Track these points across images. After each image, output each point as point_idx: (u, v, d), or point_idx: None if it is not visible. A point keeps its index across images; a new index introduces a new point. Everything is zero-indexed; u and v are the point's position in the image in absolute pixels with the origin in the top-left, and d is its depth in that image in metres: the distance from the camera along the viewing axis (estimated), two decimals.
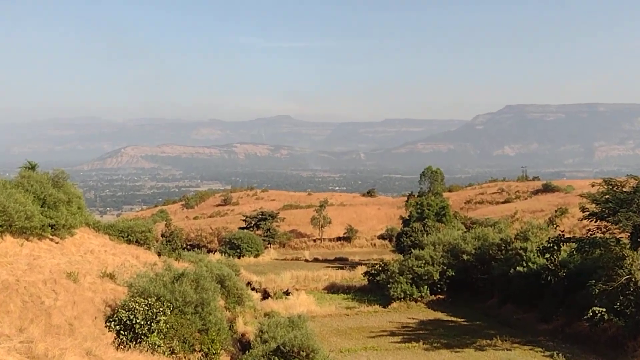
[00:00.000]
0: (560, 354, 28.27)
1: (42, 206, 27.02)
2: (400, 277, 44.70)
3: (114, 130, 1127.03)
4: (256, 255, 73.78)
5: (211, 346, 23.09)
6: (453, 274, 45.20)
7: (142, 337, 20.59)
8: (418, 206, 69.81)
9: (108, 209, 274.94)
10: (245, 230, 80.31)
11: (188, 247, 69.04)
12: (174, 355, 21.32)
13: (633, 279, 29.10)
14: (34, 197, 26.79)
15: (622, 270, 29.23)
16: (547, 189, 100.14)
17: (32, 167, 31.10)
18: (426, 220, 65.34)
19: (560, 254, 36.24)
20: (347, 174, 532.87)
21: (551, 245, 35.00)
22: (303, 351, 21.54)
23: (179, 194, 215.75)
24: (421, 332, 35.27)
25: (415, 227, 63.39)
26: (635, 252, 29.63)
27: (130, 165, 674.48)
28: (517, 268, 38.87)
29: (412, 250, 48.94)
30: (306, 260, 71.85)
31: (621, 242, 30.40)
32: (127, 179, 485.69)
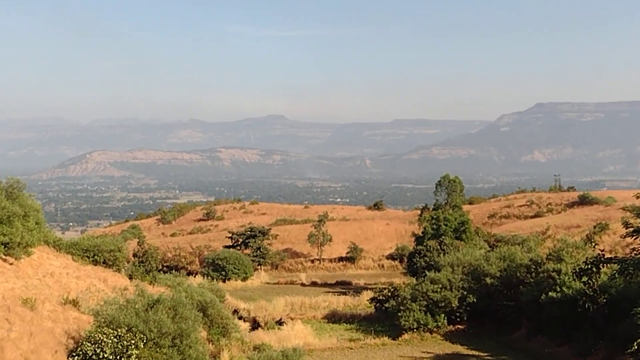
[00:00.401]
0: None
1: None
2: (413, 304, 44.59)
3: (78, 132, 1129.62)
4: (244, 279, 73.67)
5: None
6: (474, 300, 45.10)
7: None
8: (433, 221, 69.86)
9: (71, 224, 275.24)
10: (231, 250, 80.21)
11: (164, 268, 68.90)
12: None
13: None
14: None
15: None
16: (584, 201, 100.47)
17: None
18: (443, 237, 65.34)
19: (600, 277, 36.20)
20: (350, 183, 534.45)
21: (589, 266, 34.93)
22: None
23: (154, 207, 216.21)
24: None
25: (430, 246, 63.36)
26: None
27: (97, 173, 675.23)
28: (550, 293, 38.81)
29: (427, 272, 48.86)
30: (302, 285, 71.79)
31: None
32: (93, 189, 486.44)
